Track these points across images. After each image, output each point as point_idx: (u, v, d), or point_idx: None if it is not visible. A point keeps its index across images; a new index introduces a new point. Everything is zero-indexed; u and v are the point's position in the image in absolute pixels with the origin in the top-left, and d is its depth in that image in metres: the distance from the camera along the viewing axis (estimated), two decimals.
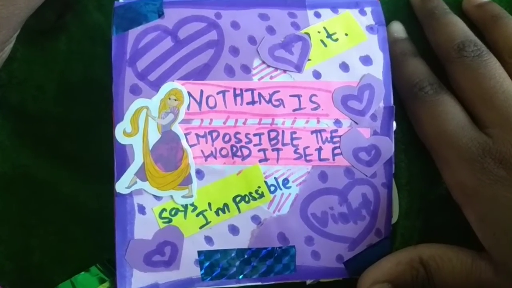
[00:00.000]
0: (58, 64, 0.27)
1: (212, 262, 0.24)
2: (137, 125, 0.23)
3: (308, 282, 0.25)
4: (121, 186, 0.23)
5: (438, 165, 0.25)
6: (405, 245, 0.26)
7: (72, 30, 0.27)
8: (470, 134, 0.23)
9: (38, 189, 0.28)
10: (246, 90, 0.24)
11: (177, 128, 0.24)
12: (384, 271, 0.24)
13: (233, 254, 0.24)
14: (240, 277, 0.24)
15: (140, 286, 0.23)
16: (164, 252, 0.23)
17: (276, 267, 0.24)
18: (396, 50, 0.26)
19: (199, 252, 0.24)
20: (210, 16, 0.25)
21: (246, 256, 0.24)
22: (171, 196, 0.24)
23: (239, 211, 0.24)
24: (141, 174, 0.23)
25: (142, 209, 0.23)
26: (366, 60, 0.25)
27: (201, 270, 0.24)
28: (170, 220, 0.23)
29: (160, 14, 0.24)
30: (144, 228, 0.23)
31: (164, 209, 0.23)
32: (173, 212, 0.24)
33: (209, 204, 0.24)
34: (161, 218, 0.23)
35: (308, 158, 0.25)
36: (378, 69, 0.25)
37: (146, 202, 0.23)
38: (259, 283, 0.24)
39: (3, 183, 0.27)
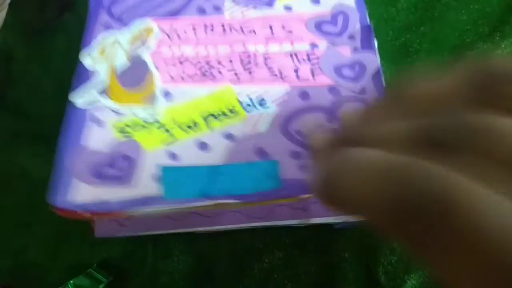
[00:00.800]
0: (56, 62, 0.29)
1: (176, 179, 0.20)
2: (104, 49, 0.23)
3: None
4: (76, 95, 0.21)
5: None
6: None
7: (71, 29, 0.29)
8: None
9: (35, 187, 0.26)
10: (217, 24, 0.24)
11: (145, 54, 0.23)
12: None
13: (201, 170, 0.20)
14: (212, 193, 0.19)
15: (83, 201, 0.19)
16: (118, 166, 0.20)
17: (256, 182, 0.20)
18: None
19: (160, 168, 0.20)
20: None
21: (217, 172, 0.20)
22: (132, 110, 0.21)
23: (209, 128, 0.21)
24: (101, 87, 0.22)
25: (96, 119, 0.21)
26: None
27: (162, 187, 0.19)
28: (130, 134, 0.21)
29: None
30: (96, 138, 0.20)
31: (122, 121, 0.21)
32: (134, 128, 0.21)
33: (174, 120, 0.21)
34: (119, 131, 0.21)
35: (285, 78, 0.23)
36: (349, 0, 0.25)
37: (102, 112, 0.21)
38: (236, 201, 0.19)
39: (0, 181, 0.27)
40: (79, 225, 0.24)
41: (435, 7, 0.32)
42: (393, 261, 0.25)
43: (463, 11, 0.32)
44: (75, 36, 0.28)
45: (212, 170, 0.20)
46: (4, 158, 0.27)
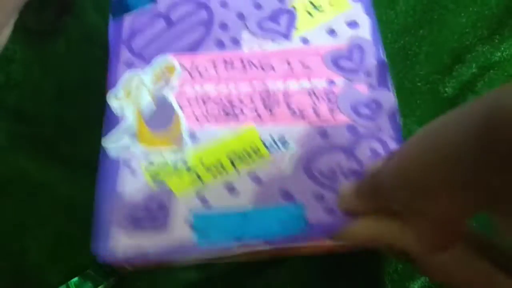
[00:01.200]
0: (56, 65, 0.29)
1: (208, 225, 0.21)
2: (130, 91, 0.24)
3: None
4: (109, 141, 0.22)
5: None
6: None
7: (71, 32, 0.29)
8: None
9: (35, 190, 0.27)
10: (236, 59, 0.25)
11: (169, 94, 0.24)
12: None
13: (232, 215, 0.21)
14: (243, 239, 0.21)
15: (123, 253, 0.20)
16: (153, 214, 0.21)
17: (284, 226, 0.21)
18: None
19: (193, 214, 0.21)
20: None
21: (247, 217, 0.21)
22: (162, 154, 0.22)
23: (236, 170, 0.22)
24: (131, 132, 0.23)
25: (129, 165, 0.22)
26: (352, 25, 0.26)
27: (195, 234, 0.21)
28: (162, 180, 0.22)
29: (153, 0, 0.26)
30: (130, 185, 0.22)
31: (153, 166, 0.22)
32: (163, 170, 0.22)
33: (203, 163, 0.22)
34: (151, 177, 0.22)
35: (304, 117, 0.24)
36: (365, 31, 0.26)
37: (134, 158, 0.22)
38: (266, 246, 0.21)
39: (0, 184, 0.27)
40: (79, 227, 0.25)
41: (434, 10, 0.32)
42: (398, 268, 0.27)
43: (462, 14, 0.32)
44: (74, 39, 0.28)
45: (242, 216, 0.21)
46: (4, 160, 0.27)
